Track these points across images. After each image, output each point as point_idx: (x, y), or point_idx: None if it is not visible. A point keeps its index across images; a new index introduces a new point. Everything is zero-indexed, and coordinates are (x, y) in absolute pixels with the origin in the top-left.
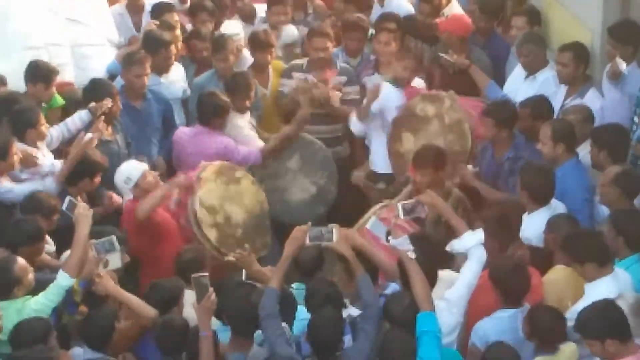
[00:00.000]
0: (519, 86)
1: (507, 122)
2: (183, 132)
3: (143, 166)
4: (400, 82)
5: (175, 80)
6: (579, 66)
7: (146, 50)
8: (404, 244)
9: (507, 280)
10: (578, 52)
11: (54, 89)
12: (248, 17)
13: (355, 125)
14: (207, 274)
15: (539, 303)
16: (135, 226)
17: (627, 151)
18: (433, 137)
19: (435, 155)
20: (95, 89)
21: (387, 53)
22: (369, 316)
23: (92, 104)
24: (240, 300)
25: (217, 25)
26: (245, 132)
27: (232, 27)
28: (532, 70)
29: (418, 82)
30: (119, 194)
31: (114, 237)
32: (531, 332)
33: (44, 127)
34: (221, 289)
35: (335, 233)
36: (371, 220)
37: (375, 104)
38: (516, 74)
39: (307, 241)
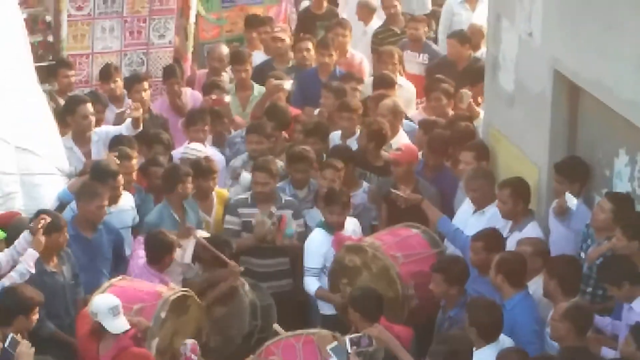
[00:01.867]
0: (467, 221)
1: (457, 279)
2: (137, 266)
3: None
4: (330, 228)
5: (125, 209)
6: (517, 202)
7: (93, 180)
8: None
9: None
10: (516, 189)
11: None
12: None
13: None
14: None
15: None
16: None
17: (578, 284)
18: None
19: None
20: None
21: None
22: None
23: (32, 224)
24: None
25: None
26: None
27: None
28: (480, 205)
29: (350, 221)
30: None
31: None
32: None
33: None
34: None
35: None
36: (333, 344)
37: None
38: (464, 209)
39: None
